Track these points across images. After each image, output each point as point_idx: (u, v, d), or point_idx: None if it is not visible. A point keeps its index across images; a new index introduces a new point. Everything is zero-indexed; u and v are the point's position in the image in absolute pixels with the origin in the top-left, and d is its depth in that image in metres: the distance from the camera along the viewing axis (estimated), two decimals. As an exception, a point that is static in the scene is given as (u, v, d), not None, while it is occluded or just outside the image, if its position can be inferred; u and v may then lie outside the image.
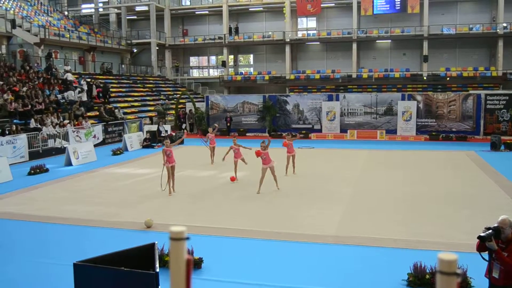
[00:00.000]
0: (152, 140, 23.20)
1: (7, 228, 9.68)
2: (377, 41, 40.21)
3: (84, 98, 26.46)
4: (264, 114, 27.32)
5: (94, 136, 22.74)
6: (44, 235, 9.23)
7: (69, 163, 17.62)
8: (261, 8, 42.66)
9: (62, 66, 29.84)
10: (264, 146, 12.53)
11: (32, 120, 20.61)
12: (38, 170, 15.90)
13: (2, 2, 32.14)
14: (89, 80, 29.55)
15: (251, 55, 45.22)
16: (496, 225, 4.69)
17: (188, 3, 44.68)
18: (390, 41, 39.90)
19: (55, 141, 20.74)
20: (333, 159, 18.64)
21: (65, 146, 19.46)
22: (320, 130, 26.45)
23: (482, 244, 4.72)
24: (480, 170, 15.57)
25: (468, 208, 10.60)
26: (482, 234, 4.65)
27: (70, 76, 27.77)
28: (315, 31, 41.58)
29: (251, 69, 44.63)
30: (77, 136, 21.56)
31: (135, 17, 45.98)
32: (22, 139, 18.70)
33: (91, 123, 23.66)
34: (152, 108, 31.71)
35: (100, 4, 43.71)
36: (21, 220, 10.23)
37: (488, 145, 20.77)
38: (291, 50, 41.24)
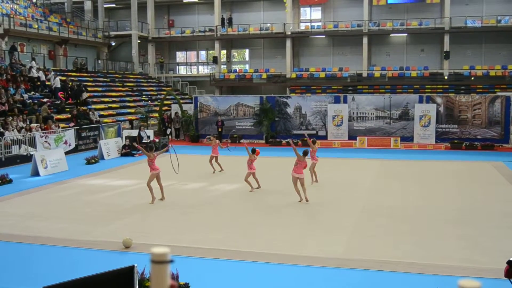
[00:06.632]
0: (132, 147, 23.17)
1: (-36, 248, 9.65)
2: (391, 34, 40.44)
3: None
4: (261, 118, 27.37)
5: (65, 142, 22.70)
6: (7, 256, 9.20)
7: (36, 173, 17.57)
8: (259, -4, 42.96)
9: (29, 62, 29.84)
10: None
11: (-6, 123, 20.61)
12: (0, 181, 15.88)
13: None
14: (61, 77, 29.57)
15: (247, 50, 45.36)
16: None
17: (174, -11, 44.93)
18: (406, 35, 40.14)
19: (20, 147, 20.68)
20: (340, 170, 18.68)
21: (31, 153, 19.42)
22: (325, 137, 26.49)
23: None
24: (509, 184, 15.64)
25: (495, 228, 10.65)
26: (512, 258, 4.67)
27: (40, 74, 27.75)
28: (320, 23, 41.79)
29: (247, 66, 44.75)
30: (46, 142, 21.52)
31: (114, 5, 46.11)
32: (-19, 145, 18.68)
33: (62, 127, 23.62)
34: (132, 110, 31.70)
35: (74, -10, 43.86)
36: (-20, 239, 10.19)
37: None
38: (292, 45, 41.41)
